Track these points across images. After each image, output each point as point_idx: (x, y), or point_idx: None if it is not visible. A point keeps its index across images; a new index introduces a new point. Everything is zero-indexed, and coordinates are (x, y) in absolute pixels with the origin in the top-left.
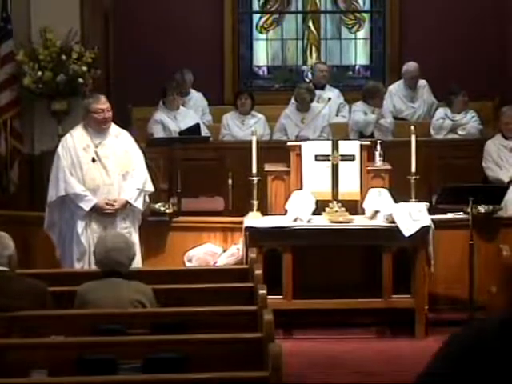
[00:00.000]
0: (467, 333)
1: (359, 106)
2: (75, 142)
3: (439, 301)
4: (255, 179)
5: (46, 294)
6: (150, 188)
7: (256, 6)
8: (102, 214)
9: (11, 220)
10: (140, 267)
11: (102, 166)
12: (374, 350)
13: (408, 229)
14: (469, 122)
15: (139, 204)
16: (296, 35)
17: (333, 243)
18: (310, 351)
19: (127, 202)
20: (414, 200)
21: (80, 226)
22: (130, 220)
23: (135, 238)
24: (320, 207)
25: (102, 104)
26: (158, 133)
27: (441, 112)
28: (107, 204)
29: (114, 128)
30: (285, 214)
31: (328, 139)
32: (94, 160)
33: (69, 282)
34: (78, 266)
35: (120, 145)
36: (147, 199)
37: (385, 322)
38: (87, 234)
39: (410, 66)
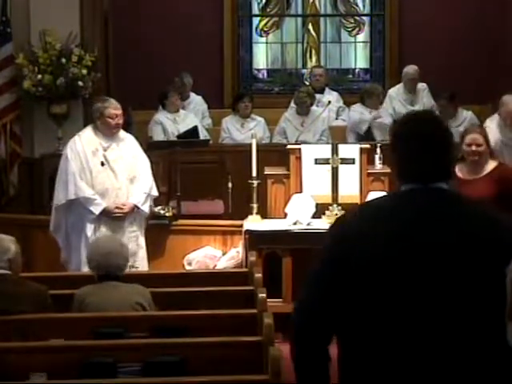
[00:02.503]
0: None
1: (356, 107)
2: (84, 144)
3: None
4: (255, 182)
5: (47, 298)
6: (155, 193)
7: (256, 9)
8: (111, 218)
9: (11, 223)
10: (145, 270)
11: (111, 170)
12: None
13: None
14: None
15: (146, 208)
16: (296, 38)
17: None
18: None
19: (135, 206)
20: None
21: (89, 229)
22: (137, 224)
23: (142, 241)
24: (320, 210)
25: (117, 110)
26: (158, 134)
27: None
28: (117, 208)
29: (121, 132)
30: (285, 218)
31: (328, 143)
32: (102, 164)
33: (70, 285)
34: (86, 269)
35: (127, 149)
36: (152, 203)
37: None
38: None
39: (409, 68)
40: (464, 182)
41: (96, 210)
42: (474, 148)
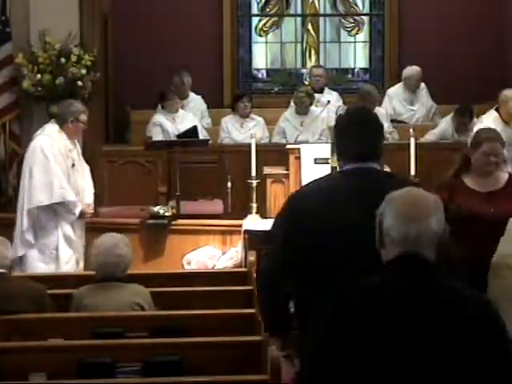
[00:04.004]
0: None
1: None
2: (59, 147)
3: None
4: (254, 182)
5: (45, 297)
6: None
7: (255, 9)
8: (79, 218)
9: (10, 223)
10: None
11: (77, 171)
12: None
13: None
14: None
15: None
16: (295, 38)
17: None
18: None
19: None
20: None
21: (69, 230)
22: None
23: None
24: None
25: (87, 116)
26: (157, 135)
27: (446, 128)
28: (88, 208)
29: None
30: None
31: (327, 142)
32: (73, 165)
33: (69, 285)
34: (66, 269)
35: (78, 150)
36: None
37: None
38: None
39: (414, 69)
40: (485, 195)
41: (77, 211)
42: (493, 159)
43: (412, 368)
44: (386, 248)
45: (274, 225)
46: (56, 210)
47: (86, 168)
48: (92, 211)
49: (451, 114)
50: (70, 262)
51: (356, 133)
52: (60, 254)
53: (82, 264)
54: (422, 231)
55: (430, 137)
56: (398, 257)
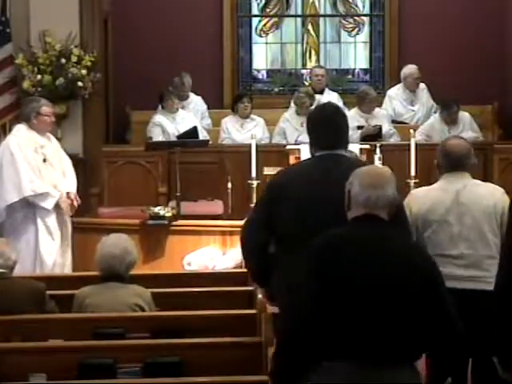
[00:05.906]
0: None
1: (352, 113)
2: (27, 144)
3: None
4: (254, 183)
5: (44, 294)
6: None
7: (255, 10)
8: (59, 212)
9: None
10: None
11: (51, 166)
12: None
13: None
14: (463, 131)
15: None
16: (295, 39)
17: None
18: None
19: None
20: None
21: (50, 221)
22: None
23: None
24: None
25: (51, 108)
26: (157, 135)
27: (433, 123)
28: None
29: None
30: None
31: None
32: (44, 160)
33: (70, 285)
34: (49, 262)
35: (54, 145)
36: None
37: None
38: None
39: (412, 68)
40: None
41: (51, 202)
42: None
43: (371, 295)
44: (352, 210)
45: (261, 197)
46: (31, 204)
47: (66, 160)
48: (75, 201)
49: (438, 111)
50: (52, 253)
51: (323, 126)
52: (40, 247)
53: (67, 262)
54: (379, 196)
55: (422, 130)
56: (361, 215)
